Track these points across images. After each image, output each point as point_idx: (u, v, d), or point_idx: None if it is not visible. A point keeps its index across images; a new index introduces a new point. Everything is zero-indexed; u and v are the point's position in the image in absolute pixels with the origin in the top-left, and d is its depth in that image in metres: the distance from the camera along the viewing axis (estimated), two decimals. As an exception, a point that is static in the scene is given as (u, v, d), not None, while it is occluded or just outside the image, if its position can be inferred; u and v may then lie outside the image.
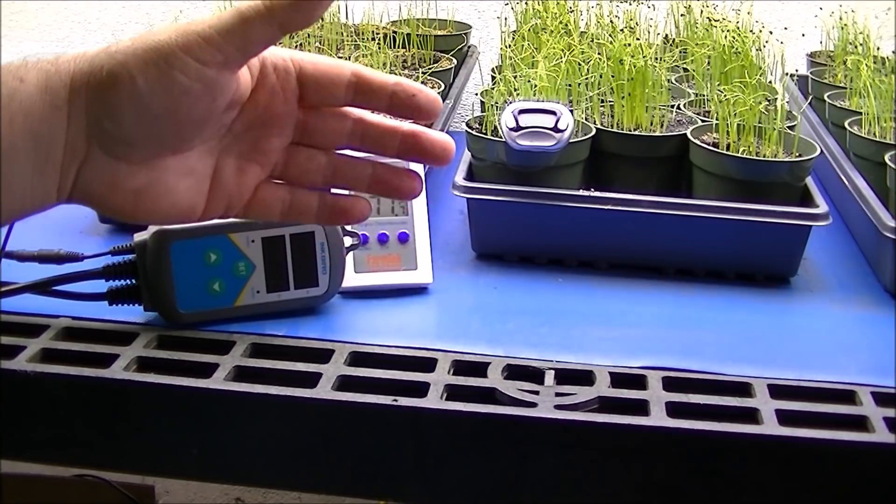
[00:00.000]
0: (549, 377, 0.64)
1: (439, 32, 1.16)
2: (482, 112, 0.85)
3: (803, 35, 1.18)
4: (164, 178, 0.49)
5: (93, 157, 0.47)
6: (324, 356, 0.65)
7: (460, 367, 0.65)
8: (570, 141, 0.79)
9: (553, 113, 0.78)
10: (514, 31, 1.10)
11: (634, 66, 0.86)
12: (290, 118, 0.52)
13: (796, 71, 1.15)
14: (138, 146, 0.48)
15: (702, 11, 1.07)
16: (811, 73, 1.10)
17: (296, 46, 1.06)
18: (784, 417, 0.59)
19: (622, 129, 0.86)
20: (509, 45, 1.00)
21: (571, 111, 0.79)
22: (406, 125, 0.52)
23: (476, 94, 0.94)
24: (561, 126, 0.77)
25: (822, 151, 0.87)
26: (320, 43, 1.08)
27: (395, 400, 0.60)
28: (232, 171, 0.51)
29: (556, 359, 0.66)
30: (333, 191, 0.54)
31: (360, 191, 0.54)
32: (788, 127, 0.85)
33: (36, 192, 0.47)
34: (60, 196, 0.48)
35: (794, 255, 0.80)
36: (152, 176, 0.49)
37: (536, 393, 0.61)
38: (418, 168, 0.62)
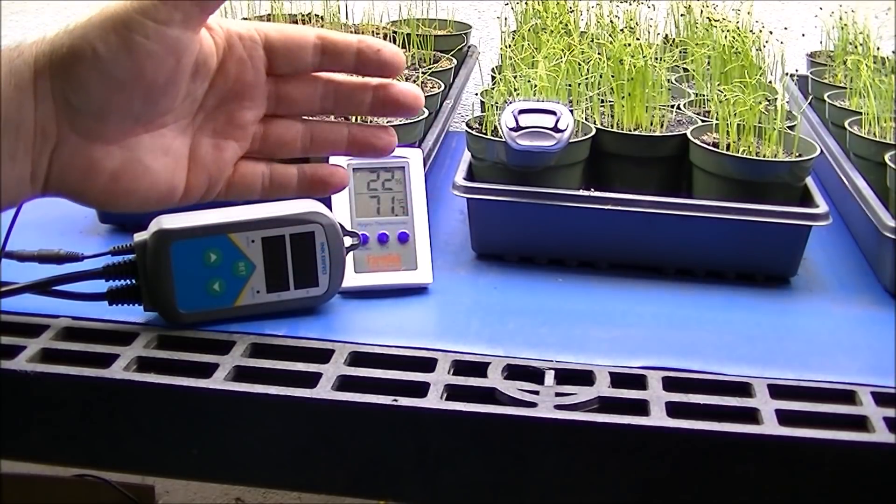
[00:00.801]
0: (549, 377, 0.64)
1: (439, 32, 1.16)
2: (482, 112, 0.85)
3: (803, 35, 1.18)
4: (141, 158, 0.49)
5: (65, 141, 0.47)
6: (324, 356, 0.65)
7: (460, 367, 0.65)
8: (570, 141, 0.79)
9: (553, 113, 0.78)
10: (514, 31, 1.10)
11: (634, 66, 0.86)
12: (261, 88, 0.52)
13: (796, 71, 1.15)
14: (109, 120, 0.47)
15: (702, 11, 1.07)
16: (811, 73, 1.10)
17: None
18: (784, 417, 0.59)
19: (622, 129, 0.86)
20: (509, 45, 1.00)
21: (571, 111, 0.79)
22: (375, 79, 0.53)
23: (476, 94, 0.94)
24: (561, 126, 0.77)
25: (822, 151, 0.87)
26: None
27: (395, 400, 0.60)
28: (209, 149, 0.51)
29: (556, 359, 0.66)
30: (312, 162, 0.55)
31: (339, 153, 0.55)
32: (788, 127, 0.85)
33: (9, 181, 0.46)
34: (35, 186, 0.48)
35: (794, 255, 0.80)
36: (128, 156, 0.48)
37: (536, 393, 0.61)
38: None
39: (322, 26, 1.13)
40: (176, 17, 0.46)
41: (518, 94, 0.84)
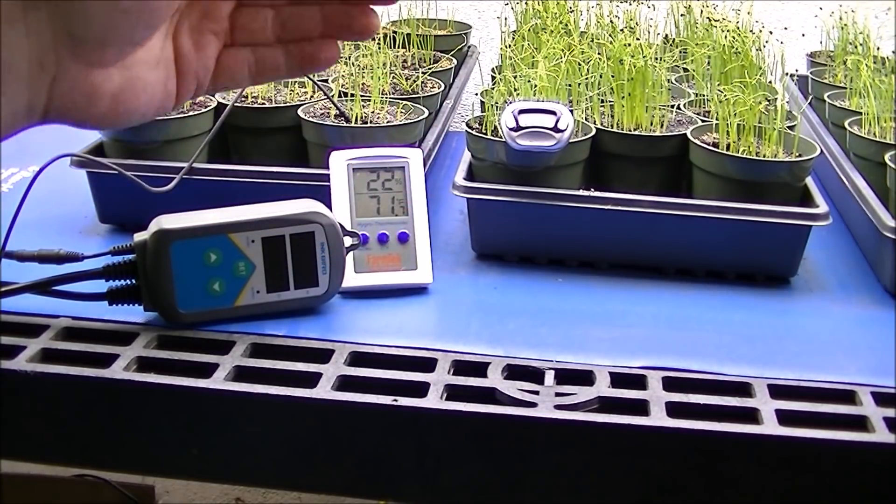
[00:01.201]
0: (549, 377, 0.64)
1: (439, 32, 1.16)
2: (482, 112, 0.85)
3: (803, 35, 1.18)
4: (138, 74, 0.49)
5: (66, 71, 0.47)
6: (324, 356, 0.65)
7: (460, 367, 0.65)
8: (570, 141, 0.79)
9: (553, 113, 0.78)
10: (514, 31, 1.10)
11: (634, 66, 0.86)
12: None
13: (796, 71, 1.15)
14: (111, 42, 0.47)
15: (702, 11, 1.07)
16: (811, 73, 1.10)
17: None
18: (784, 417, 0.59)
19: (622, 129, 0.86)
20: (509, 45, 1.00)
21: (571, 111, 0.79)
22: None
23: (476, 94, 0.94)
24: (561, 126, 0.77)
25: (822, 151, 0.87)
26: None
27: (395, 400, 0.60)
28: (190, 48, 0.51)
29: (556, 359, 0.66)
30: (298, 40, 0.54)
31: (314, 38, 0.53)
32: (788, 127, 0.85)
33: (3, 112, 0.46)
34: (32, 117, 0.47)
35: (794, 255, 0.80)
36: (126, 75, 0.48)
37: (536, 393, 0.61)
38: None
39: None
40: None
41: (518, 94, 0.84)
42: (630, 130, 0.86)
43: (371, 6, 0.54)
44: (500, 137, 0.79)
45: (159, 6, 0.47)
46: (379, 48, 0.99)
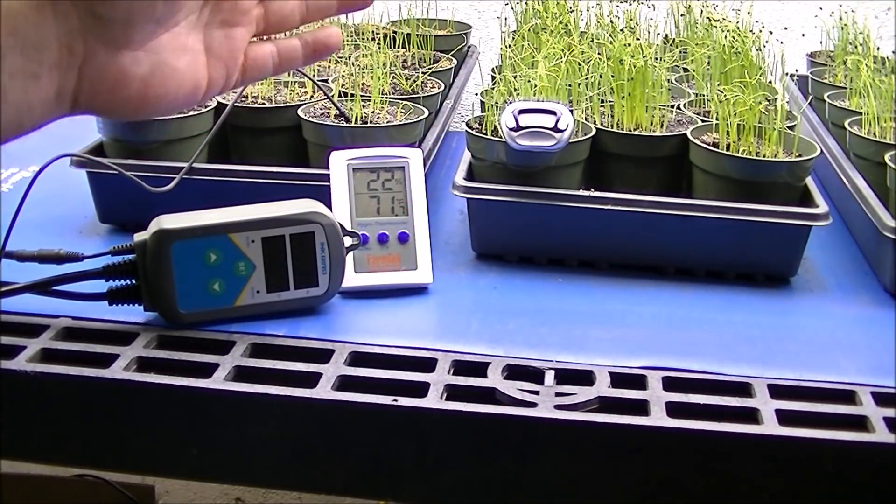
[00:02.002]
0: (549, 377, 0.64)
1: (439, 32, 1.16)
2: (482, 112, 0.85)
3: (803, 35, 1.18)
4: (166, 60, 0.50)
5: (94, 54, 0.47)
6: (324, 356, 0.65)
7: (460, 367, 0.65)
8: (570, 141, 0.79)
9: (553, 113, 0.78)
10: (514, 31, 1.10)
11: (634, 66, 0.86)
12: None
13: (796, 71, 1.15)
14: (136, 23, 0.48)
15: (702, 11, 1.07)
16: (811, 73, 1.10)
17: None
18: (784, 417, 0.59)
19: (622, 129, 0.86)
20: (509, 45, 1.00)
21: (571, 111, 0.79)
22: None
23: (476, 94, 0.94)
24: (561, 126, 0.77)
25: (822, 151, 0.87)
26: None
27: (395, 400, 0.60)
28: (221, 40, 0.52)
29: (556, 359, 0.66)
30: (307, 28, 0.57)
31: (330, 14, 0.57)
32: (788, 127, 0.85)
33: (34, 102, 0.46)
34: (62, 106, 0.48)
35: (794, 255, 0.80)
36: (154, 59, 0.49)
37: (536, 393, 0.61)
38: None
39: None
40: None
41: (518, 94, 0.84)
42: (630, 130, 0.86)
43: None
44: (500, 137, 0.79)
45: None
46: (379, 48, 0.99)
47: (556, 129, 0.77)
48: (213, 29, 0.52)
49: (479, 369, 0.65)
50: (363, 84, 0.93)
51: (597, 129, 0.85)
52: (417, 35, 1.09)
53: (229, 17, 0.53)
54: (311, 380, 0.62)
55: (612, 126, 0.87)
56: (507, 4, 1.15)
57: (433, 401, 0.60)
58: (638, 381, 0.64)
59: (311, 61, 0.59)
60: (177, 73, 0.51)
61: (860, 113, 0.91)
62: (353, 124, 0.86)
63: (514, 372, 0.65)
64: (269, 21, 0.55)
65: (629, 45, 0.89)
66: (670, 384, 0.63)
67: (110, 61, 0.48)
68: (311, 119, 0.86)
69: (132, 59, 0.49)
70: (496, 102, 0.83)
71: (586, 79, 0.89)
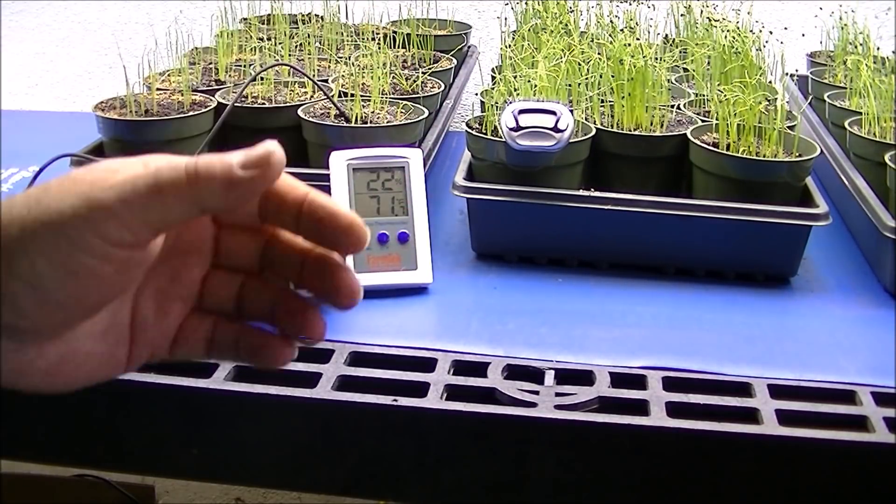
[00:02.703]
0: (549, 377, 0.64)
1: (439, 32, 1.16)
2: (482, 112, 0.85)
3: (803, 35, 1.18)
4: (78, 348, 0.43)
5: None
6: (324, 356, 0.65)
7: (460, 367, 0.65)
8: (570, 141, 0.79)
9: (553, 113, 0.78)
10: (514, 31, 1.10)
11: (634, 66, 0.86)
12: (209, 239, 0.45)
13: (796, 71, 1.15)
14: (44, 331, 0.41)
15: (702, 11, 1.07)
16: (811, 73, 1.10)
17: (295, 47, 1.06)
18: (784, 417, 0.59)
19: (622, 129, 0.86)
20: (509, 45, 1.00)
21: (571, 111, 0.79)
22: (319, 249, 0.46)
23: (476, 94, 0.95)
24: (561, 126, 0.77)
25: (822, 151, 0.87)
26: (320, 43, 1.08)
27: (395, 400, 0.60)
28: (152, 314, 0.45)
29: (556, 359, 0.66)
30: (254, 329, 0.47)
31: (269, 322, 0.47)
32: (788, 127, 0.85)
33: None
34: None
35: (794, 255, 0.80)
36: (64, 349, 0.42)
37: (536, 393, 0.61)
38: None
39: (322, 26, 1.13)
40: (126, 239, 0.38)
41: (518, 94, 0.84)
42: (630, 130, 0.86)
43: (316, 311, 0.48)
44: (500, 137, 0.79)
45: (102, 298, 0.41)
46: (379, 48, 0.99)
47: (556, 129, 0.77)
48: (145, 299, 0.44)
49: (479, 369, 0.65)
50: (363, 84, 0.93)
51: (597, 129, 0.85)
52: (417, 35, 1.09)
53: (167, 286, 0.44)
54: (311, 380, 0.62)
55: (612, 126, 0.87)
56: (507, 4, 1.15)
57: (433, 401, 0.60)
58: (638, 381, 0.64)
59: (245, 362, 0.47)
60: (90, 357, 0.43)
61: (860, 113, 0.91)
62: (353, 124, 0.86)
63: (514, 372, 0.65)
64: (204, 298, 0.45)
65: (629, 45, 0.89)
66: (670, 384, 0.63)
67: (8, 354, 0.41)
68: (311, 119, 0.86)
69: (37, 352, 0.41)
70: (496, 102, 0.83)
71: (586, 79, 0.89)
